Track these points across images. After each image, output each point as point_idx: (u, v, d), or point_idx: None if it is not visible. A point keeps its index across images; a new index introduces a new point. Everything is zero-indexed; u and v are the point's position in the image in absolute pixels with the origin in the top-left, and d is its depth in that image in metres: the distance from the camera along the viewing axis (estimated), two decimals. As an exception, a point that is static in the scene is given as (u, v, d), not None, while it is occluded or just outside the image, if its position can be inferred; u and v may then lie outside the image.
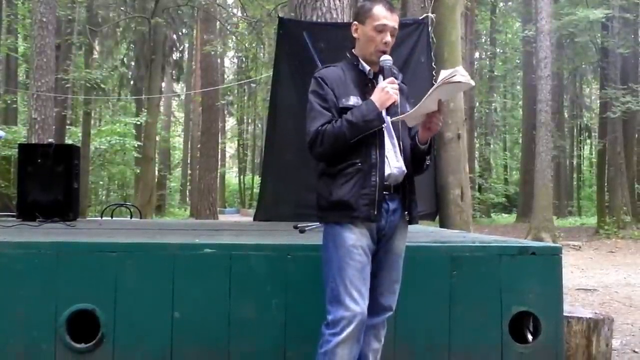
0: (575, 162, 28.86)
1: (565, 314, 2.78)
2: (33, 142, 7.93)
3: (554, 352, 2.54)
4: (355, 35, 2.11)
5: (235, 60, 29.48)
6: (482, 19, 23.88)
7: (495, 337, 2.52)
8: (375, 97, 1.97)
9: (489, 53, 27.09)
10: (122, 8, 17.35)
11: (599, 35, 16.52)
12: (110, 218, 6.06)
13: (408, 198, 2.10)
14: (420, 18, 4.98)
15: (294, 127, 4.79)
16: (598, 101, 19.82)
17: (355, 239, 1.99)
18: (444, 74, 1.90)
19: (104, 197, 24.89)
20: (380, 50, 2.04)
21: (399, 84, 2.04)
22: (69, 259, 2.40)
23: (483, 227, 16.32)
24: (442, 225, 5.27)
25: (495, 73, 26.18)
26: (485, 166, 26.23)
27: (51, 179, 4.31)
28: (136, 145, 18.75)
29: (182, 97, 28.27)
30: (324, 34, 4.69)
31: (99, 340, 2.36)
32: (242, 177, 35.18)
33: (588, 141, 30.51)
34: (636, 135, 18.01)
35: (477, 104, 23.06)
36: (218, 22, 18.53)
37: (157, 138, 20.64)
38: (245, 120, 33.64)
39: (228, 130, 34.02)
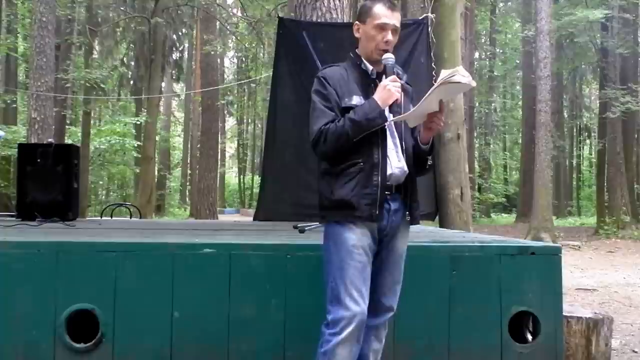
0: (574, 162, 28.88)
1: (564, 313, 2.78)
2: (33, 141, 7.93)
3: (554, 352, 2.55)
4: (357, 35, 2.12)
5: (235, 60, 29.49)
6: (481, 19, 23.89)
7: (495, 337, 2.53)
8: (378, 95, 1.97)
9: (488, 53, 27.10)
10: (121, 8, 17.35)
11: (598, 35, 16.53)
12: (110, 218, 6.06)
13: (410, 198, 2.10)
14: (420, 18, 4.98)
15: (294, 127, 4.79)
16: (597, 101, 19.84)
17: (356, 239, 1.99)
18: (444, 73, 1.89)
19: (103, 197, 24.89)
20: (381, 48, 2.04)
21: (403, 84, 2.04)
22: (69, 258, 2.40)
23: (483, 227, 16.33)
24: (442, 225, 5.27)
25: (495, 73, 26.19)
26: (485, 166, 26.24)
27: (51, 178, 4.31)
28: (136, 145, 18.75)
29: (182, 97, 28.26)
30: (324, 34, 4.70)
31: (98, 340, 2.36)
32: (242, 177, 35.18)
33: (587, 141, 30.53)
34: (636, 136, 18.04)
35: (477, 104, 23.08)
36: (218, 22, 18.53)
37: (157, 138, 20.63)
38: (245, 120, 33.65)
39: (228, 130, 34.03)
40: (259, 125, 30.68)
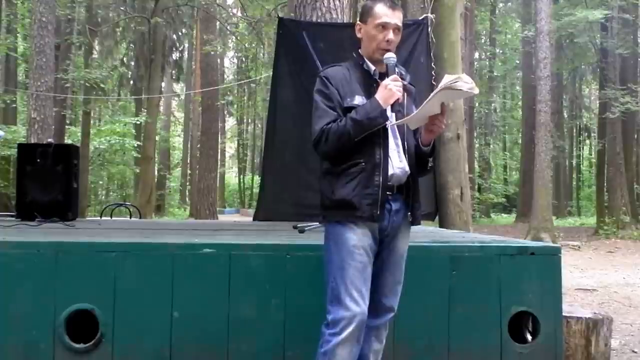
0: (574, 163, 28.88)
1: (564, 313, 2.78)
2: (32, 141, 7.93)
3: (553, 352, 2.55)
4: (358, 35, 2.12)
5: (235, 60, 29.49)
6: (481, 20, 23.89)
7: (495, 337, 2.53)
8: (379, 94, 1.97)
9: (488, 53, 27.09)
10: (121, 8, 17.35)
11: (598, 35, 16.53)
12: (109, 218, 6.06)
13: (411, 199, 2.10)
14: (420, 18, 4.98)
15: (294, 127, 4.79)
16: (597, 101, 19.84)
17: (357, 240, 1.99)
18: (447, 78, 1.89)
19: (103, 197, 24.88)
20: (382, 48, 2.04)
21: (406, 84, 2.04)
22: (68, 258, 2.40)
23: (482, 227, 16.33)
24: (442, 225, 5.27)
25: (495, 73, 26.19)
26: (485, 166, 26.24)
27: (50, 178, 4.31)
28: (136, 145, 18.74)
29: (182, 97, 28.26)
30: (324, 34, 4.69)
31: (97, 340, 2.36)
32: (242, 177, 35.17)
33: (587, 141, 30.54)
34: (635, 136, 18.03)
35: (477, 104, 23.07)
36: (218, 22, 18.53)
37: (157, 138, 20.63)
38: (245, 120, 33.64)
39: (228, 130, 34.02)
40: (259, 125, 30.67)
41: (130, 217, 6.61)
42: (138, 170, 18.01)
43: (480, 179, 23.92)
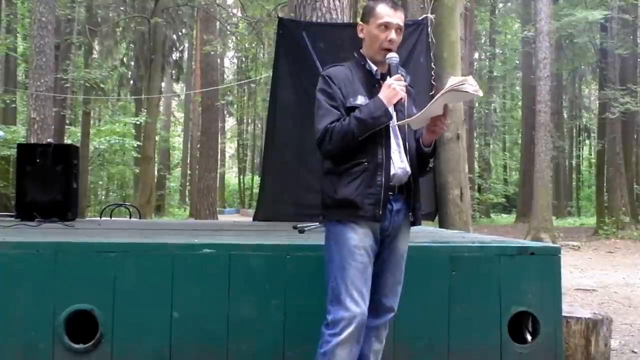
0: (574, 163, 28.88)
1: (564, 314, 2.78)
2: (32, 141, 7.92)
3: (553, 352, 2.55)
4: (360, 35, 2.12)
5: (235, 60, 29.49)
6: (481, 20, 23.90)
7: (494, 337, 2.52)
8: (383, 94, 1.98)
9: (488, 54, 27.11)
10: (121, 8, 17.34)
11: (598, 36, 16.53)
12: (109, 218, 6.06)
13: (413, 199, 2.10)
14: (420, 19, 4.98)
15: (294, 127, 4.79)
16: (597, 102, 19.84)
17: (358, 240, 1.99)
18: (452, 80, 1.91)
19: (103, 197, 24.87)
20: (384, 48, 2.05)
21: (406, 85, 2.04)
22: (68, 259, 2.40)
23: (482, 228, 16.33)
24: (442, 225, 5.27)
25: (495, 74, 26.20)
26: (485, 166, 26.25)
27: (50, 178, 4.31)
28: (135, 145, 18.73)
29: (182, 97, 28.26)
30: (324, 34, 4.69)
31: (97, 341, 2.36)
32: (242, 177, 35.17)
33: (587, 142, 30.54)
34: (635, 136, 18.03)
35: (477, 104, 23.07)
36: (218, 22, 18.53)
37: (157, 138, 20.63)
38: (245, 120, 33.64)
39: (228, 130, 34.02)
40: (259, 125, 30.66)
41: (130, 218, 6.60)
42: (138, 171, 18.00)
43: (480, 179, 23.92)
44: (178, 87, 28.85)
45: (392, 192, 2.04)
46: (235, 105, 30.56)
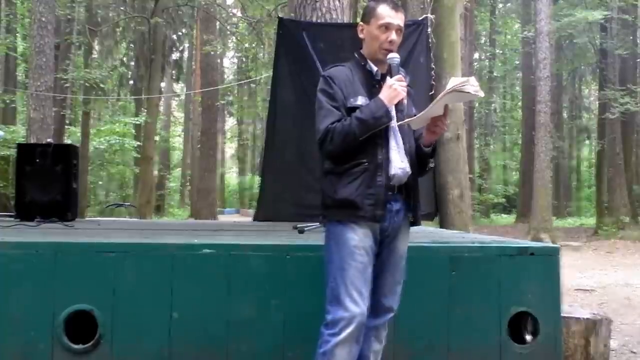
0: (574, 163, 28.88)
1: (563, 314, 2.78)
2: (32, 141, 7.90)
3: (553, 353, 2.54)
4: (361, 35, 2.12)
5: (235, 60, 29.46)
6: (481, 20, 23.89)
7: (494, 338, 2.52)
8: (384, 94, 1.98)
9: (488, 54, 27.09)
10: (121, 8, 17.34)
11: (597, 36, 16.54)
12: (109, 218, 6.05)
13: (412, 199, 2.10)
14: (420, 19, 4.98)
15: (294, 127, 4.79)
16: (597, 102, 19.84)
17: (358, 240, 1.99)
18: (454, 81, 1.91)
19: (103, 197, 24.86)
20: (385, 48, 2.05)
21: (407, 86, 2.04)
22: (67, 259, 2.40)
23: (482, 228, 16.32)
24: (442, 225, 5.28)
25: (495, 74, 26.19)
26: (485, 167, 26.24)
27: (50, 178, 4.30)
28: (135, 145, 18.73)
29: (182, 97, 28.25)
30: (324, 34, 4.69)
31: (96, 341, 2.36)
32: (242, 177, 35.15)
33: (587, 142, 30.52)
34: (635, 136, 18.03)
35: (477, 104, 23.06)
36: (218, 22, 18.53)
37: (157, 138, 20.62)
38: (245, 120, 33.62)
39: (228, 130, 34.01)
40: (259, 126, 30.62)
41: (130, 218, 6.60)
42: (138, 171, 18.00)
43: (480, 179, 23.91)
44: (178, 87, 28.84)
45: (392, 192, 2.04)
46: (235, 105, 30.54)
